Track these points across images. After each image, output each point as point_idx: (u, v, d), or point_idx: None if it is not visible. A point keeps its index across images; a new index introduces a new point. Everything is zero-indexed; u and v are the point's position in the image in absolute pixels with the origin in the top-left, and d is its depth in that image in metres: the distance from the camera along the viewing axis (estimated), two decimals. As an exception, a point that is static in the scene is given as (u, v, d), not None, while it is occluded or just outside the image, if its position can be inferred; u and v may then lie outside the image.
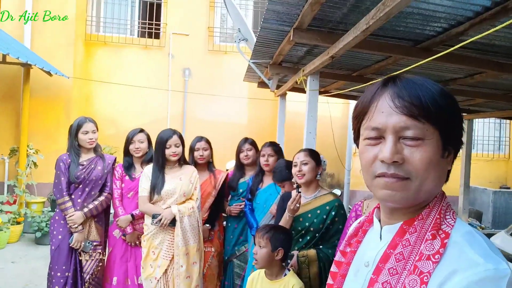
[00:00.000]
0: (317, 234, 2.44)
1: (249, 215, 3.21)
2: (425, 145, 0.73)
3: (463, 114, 6.30)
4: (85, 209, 3.03)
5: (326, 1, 2.25)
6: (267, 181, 3.24)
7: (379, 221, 0.86)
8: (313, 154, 2.55)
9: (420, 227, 0.76)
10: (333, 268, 0.93)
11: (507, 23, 1.71)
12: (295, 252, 2.40)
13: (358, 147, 0.85)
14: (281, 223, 2.42)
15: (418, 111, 0.72)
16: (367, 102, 0.79)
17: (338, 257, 0.93)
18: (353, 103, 7.91)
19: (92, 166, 3.11)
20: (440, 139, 0.74)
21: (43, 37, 6.70)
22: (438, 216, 0.76)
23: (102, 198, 3.13)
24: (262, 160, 3.22)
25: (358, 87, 4.09)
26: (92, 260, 3.08)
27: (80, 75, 7.19)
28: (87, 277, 3.03)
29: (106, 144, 6.47)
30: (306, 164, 2.48)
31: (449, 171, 0.80)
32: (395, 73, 3.40)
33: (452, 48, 2.07)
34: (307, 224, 2.45)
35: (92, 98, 7.52)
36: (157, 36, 7.83)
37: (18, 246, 5.60)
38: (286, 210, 2.40)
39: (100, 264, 3.13)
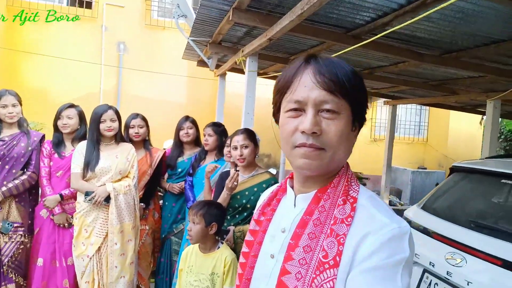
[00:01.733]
0: (253, 211, 2.53)
1: (187, 190, 3.25)
2: (339, 118, 0.81)
3: (388, 100, 6.81)
4: (3, 188, 2.83)
5: (264, -17, 2.31)
6: (209, 159, 3.28)
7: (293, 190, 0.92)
8: (251, 136, 2.60)
9: (333, 194, 0.83)
10: (248, 237, 0.96)
11: (423, 15, 1.89)
12: (231, 228, 2.49)
13: (276, 121, 0.90)
14: (219, 201, 2.48)
15: (336, 87, 0.80)
16: (291, 77, 0.84)
17: (252, 226, 0.96)
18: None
19: (14, 142, 2.90)
20: (351, 114, 0.83)
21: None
22: (346, 184, 0.85)
23: (24, 177, 2.93)
24: (203, 139, 3.26)
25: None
26: (12, 242, 2.90)
27: (1, 44, 6.54)
28: (6, 260, 2.86)
29: (32, 120, 6.02)
30: (246, 147, 2.53)
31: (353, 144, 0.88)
32: (314, 52, 3.57)
33: (376, 37, 2.25)
34: (244, 201, 2.54)
35: (17, 70, 6.90)
36: (88, 6, 7.33)
37: None
38: (224, 188, 2.46)
39: (22, 247, 2.95)
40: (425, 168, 9.56)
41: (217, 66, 5.53)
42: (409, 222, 3.06)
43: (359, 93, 0.84)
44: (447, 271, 2.17)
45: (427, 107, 9.68)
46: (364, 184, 7.02)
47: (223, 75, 5.78)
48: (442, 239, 2.42)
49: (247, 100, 3.67)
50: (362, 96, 0.85)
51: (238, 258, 2.33)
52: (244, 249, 0.94)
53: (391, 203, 7.55)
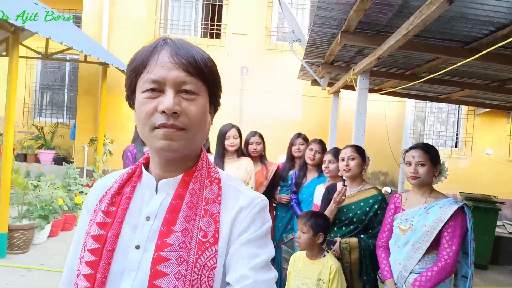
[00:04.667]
0: (359, 225, 2.63)
1: (295, 207, 3.47)
2: (198, 100, 0.83)
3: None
4: None
5: (369, 8, 2.44)
6: (310, 175, 3.48)
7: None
8: (360, 150, 2.75)
9: (200, 176, 0.87)
10: (95, 232, 0.85)
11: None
12: (338, 239, 2.62)
13: (130, 105, 0.89)
14: (326, 213, 2.65)
15: (193, 69, 0.81)
16: (147, 57, 0.82)
17: (101, 219, 0.87)
18: (409, 101, 7.79)
19: None
20: (208, 97, 0.86)
21: (118, 38, 7.47)
22: (208, 166, 0.91)
23: None
24: (309, 153, 3.45)
25: (409, 84, 4.15)
26: None
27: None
28: None
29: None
30: (353, 159, 2.68)
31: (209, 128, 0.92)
32: (431, 66, 3.46)
33: (485, 51, 2.16)
34: (350, 215, 2.66)
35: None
36: (218, 36, 8.30)
37: (94, 224, 6.36)
38: (332, 201, 2.62)
39: None
40: None
41: (330, 84, 5.70)
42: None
43: (215, 77, 0.88)
44: None
45: None
46: (499, 210, 6.20)
47: (336, 93, 5.92)
48: None
49: (357, 116, 3.75)
50: (217, 81, 0.89)
51: (343, 267, 2.46)
52: (93, 245, 0.84)
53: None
